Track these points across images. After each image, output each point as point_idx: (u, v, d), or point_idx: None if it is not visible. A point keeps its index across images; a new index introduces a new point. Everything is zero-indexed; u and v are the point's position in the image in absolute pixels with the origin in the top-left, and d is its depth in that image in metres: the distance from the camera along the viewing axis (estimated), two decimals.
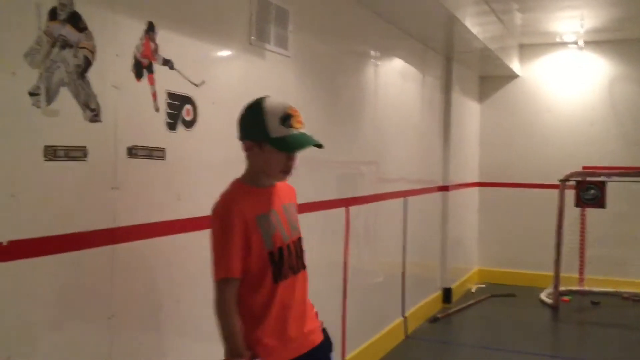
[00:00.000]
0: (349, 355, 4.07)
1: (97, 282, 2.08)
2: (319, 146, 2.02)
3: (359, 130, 4.33)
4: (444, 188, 6.29)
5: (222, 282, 1.93)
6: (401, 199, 5.14)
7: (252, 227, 1.95)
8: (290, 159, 2.01)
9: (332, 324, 3.91)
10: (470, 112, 7.25)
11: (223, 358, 1.95)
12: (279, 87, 3.18)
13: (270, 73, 3.14)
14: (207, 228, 2.59)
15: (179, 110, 2.44)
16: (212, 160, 2.67)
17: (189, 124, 2.49)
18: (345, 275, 4.04)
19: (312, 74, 3.62)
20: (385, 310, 4.89)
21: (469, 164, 7.25)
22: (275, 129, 1.95)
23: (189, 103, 2.48)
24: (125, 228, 2.17)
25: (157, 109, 2.32)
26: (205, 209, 2.60)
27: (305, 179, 3.40)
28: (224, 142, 2.74)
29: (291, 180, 2.18)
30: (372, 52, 4.56)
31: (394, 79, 5.01)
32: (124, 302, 2.18)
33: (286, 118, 1.97)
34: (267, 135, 1.96)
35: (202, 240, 2.57)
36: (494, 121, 7.51)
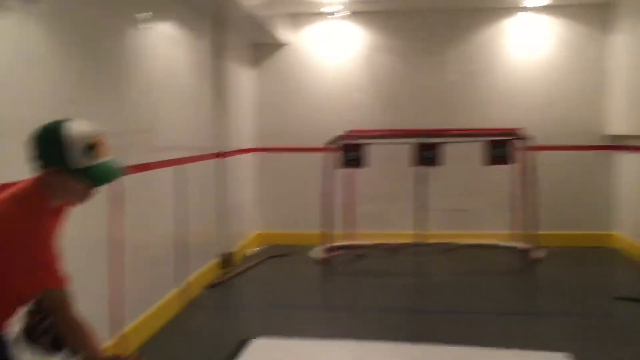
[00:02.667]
0: (127, 327, 3.93)
1: None
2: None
3: (127, 98, 4.12)
4: (221, 154, 6.31)
5: (64, 293, 1.91)
6: (177, 167, 5.04)
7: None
8: (91, 188, 1.98)
9: (98, 301, 3.72)
10: (244, 78, 7.32)
11: None
12: (22, 48, 2.88)
13: (10, 31, 2.82)
14: None
15: None
16: None
17: None
18: (113, 250, 3.86)
19: (68, 36, 3.33)
20: (163, 280, 4.80)
21: (245, 130, 7.35)
22: (76, 160, 1.88)
23: None
24: None
25: None
26: None
27: None
28: None
29: None
30: (140, 16, 4.34)
31: (164, 44, 4.84)
32: None
33: (90, 147, 1.90)
34: (67, 166, 1.88)
35: None
36: (268, 87, 7.69)
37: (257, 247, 7.40)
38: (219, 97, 6.30)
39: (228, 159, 6.45)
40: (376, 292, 5.70)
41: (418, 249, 7.10)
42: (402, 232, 7.09)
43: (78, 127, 1.92)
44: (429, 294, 5.73)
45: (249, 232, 7.42)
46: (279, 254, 7.01)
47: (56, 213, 2.02)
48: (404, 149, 6.65)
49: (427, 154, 6.52)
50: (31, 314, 2.04)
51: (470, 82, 7.47)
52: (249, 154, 7.54)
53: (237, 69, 6.95)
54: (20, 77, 2.90)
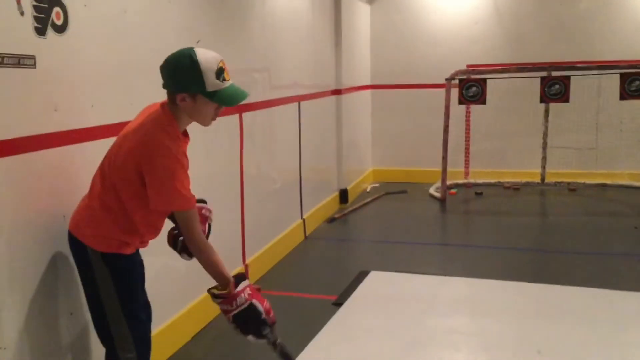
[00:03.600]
0: (249, 259, 4.17)
1: None
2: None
3: (249, 37, 4.22)
4: (337, 92, 6.34)
5: (191, 215, 2.11)
6: (295, 104, 5.15)
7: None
8: (219, 108, 2.16)
9: (232, 230, 3.97)
10: (360, 14, 7.23)
11: (214, 288, 2.17)
12: None
13: None
14: (88, 141, 2.50)
15: (48, 13, 2.25)
16: (90, 68, 2.53)
17: (60, 29, 2.32)
18: (242, 182, 4.06)
19: None
20: (284, 214, 5.00)
21: (361, 67, 7.31)
22: (211, 83, 2.07)
23: (58, 5, 2.30)
24: None
25: (22, 13, 2.13)
26: (86, 120, 2.50)
27: None
28: (100, 48, 2.60)
29: None
30: None
31: None
32: (3, 219, 2.08)
33: (220, 72, 2.09)
34: (204, 89, 2.07)
35: (86, 152, 2.49)
36: (384, 23, 7.55)
37: (373, 183, 7.46)
38: (336, 34, 6.28)
39: (345, 96, 6.47)
40: (494, 231, 5.59)
41: (540, 188, 6.85)
42: (524, 171, 6.85)
43: (206, 54, 2.09)
44: (550, 234, 5.54)
45: (365, 168, 7.48)
46: (395, 191, 7.04)
47: (185, 135, 2.20)
48: (529, 83, 6.33)
49: (554, 88, 6.17)
50: (173, 228, 2.34)
51: (604, 10, 6.90)
52: (366, 91, 7.52)
53: (354, 5, 6.87)
54: (153, 18, 3.05)
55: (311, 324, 3.41)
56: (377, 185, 7.41)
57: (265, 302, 2.20)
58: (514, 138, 7.12)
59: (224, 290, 2.16)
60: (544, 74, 6.25)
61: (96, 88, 2.58)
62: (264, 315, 2.17)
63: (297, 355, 2.92)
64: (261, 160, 4.48)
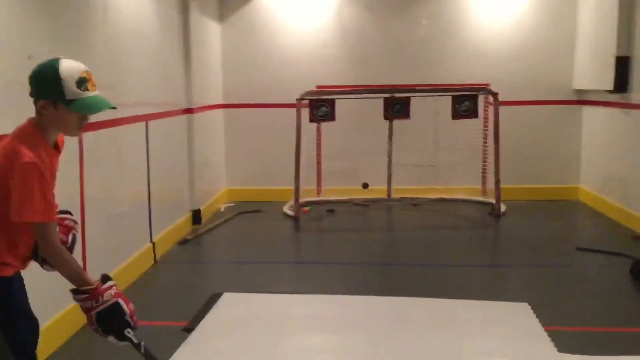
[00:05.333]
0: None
1: None
2: (113, 107, 2.23)
3: (90, 52, 4.01)
4: (189, 110, 6.23)
5: (47, 227, 2.10)
6: (143, 123, 4.97)
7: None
8: (84, 118, 2.18)
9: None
10: (211, 33, 7.18)
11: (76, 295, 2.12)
12: None
13: None
14: None
15: None
16: None
17: None
18: (83, 206, 3.82)
19: None
20: (132, 237, 4.78)
21: (213, 85, 7.25)
22: (71, 91, 2.09)
23: None
24: None
25: None
26: None
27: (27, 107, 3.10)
28: None
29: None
30: None
31: None
32: None
33: (82, 81, 2.11)
34: (63, 96, 2.08)
35: None
36: (235, 42, 7.55)
37: (227, 203, 7.40)
38: (185, 52, 6.17)
39: (196, 115, 6.37)
40: (345, 247, 5.77)
41: (387, 205, 7.19)
42: (371, 188, 7.15)
43: (70, 63, 2.13)
44: (396, 248, 5.83)
45: (219, 188, 7.40)
46: (248, 210, 7.03)
47: (55, 148, 2.21)
48: (374, 103, 6.65)
49: (396, 108, 6.57)
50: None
51: (440, 37, 7.45)
52: (218, 110, 7.46)
53: (203, 23, 6.81)
54: None
55: (160, 353, 3.27)
56: (231, 204, 7.36)
57: (130, 304, 2.19)
58: (363, 156, 7.41)
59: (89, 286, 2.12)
60: (387, 95, 6.61)
61: None
62: (127, 317, 2.15)
63: None
64: (106, 182, 4.26)
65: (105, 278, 2.17)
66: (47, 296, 3.04)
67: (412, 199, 7.11)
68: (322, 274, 4.95)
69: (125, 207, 4.63)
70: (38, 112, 2.13)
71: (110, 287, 2.15)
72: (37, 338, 2.30)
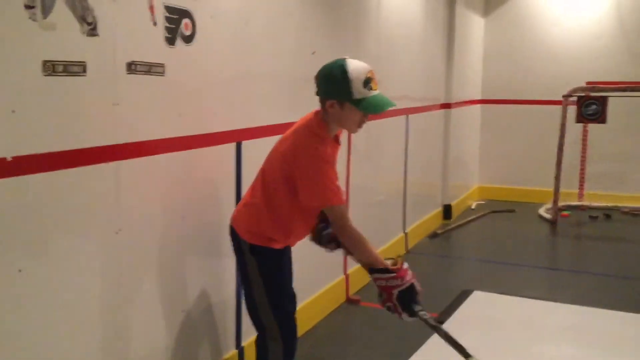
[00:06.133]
0: (350, 269, 4.18)
1: (102, 198, 2.10)
2: (394, 106, 2.29)
3: (363, 48, 4.25)
4: (447, 105, 6.24)
5: (342, 209, 2.25)
6: (404, 117, 5.12)
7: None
8: (366, 116, 2.28)
9: None
10: (474, 26, 7.09)
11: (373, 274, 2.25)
12: (274, 5, 3.11)
13: None
14: (209, 146, 2.62)
15: (178, 24, 2.38)
16: (213, 76, 2.64)
17: (188, 39, 2.44)
18: (347, 194, 4.08)
19: None
20: (387, 226, 4.97)
21: (472, 80, 7.16)
22: (358, 91, 2.20)
23: (187, 17, 2.43)
24: (127, 145, 2.17)
25: (154, 23, 2.27)
26: (206, 126, 2.62)
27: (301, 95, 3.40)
28: (224, 57, 2.71)
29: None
30: None
31: None
32: (130, 218, 2.21)
33: (367, 81, 2.22)
34: (351, 96, 2.21)
35: (203, 157, 2.60)
36: (498, 36, 7.36)
37: (478, 200, 7.26)
38: (449, 46, 6.19)
39: (454, 110, 6.36)
40: (608, 257, 5.27)
41: None
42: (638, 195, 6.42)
43: (356, 64, 2.24)
44: None
45: (471, 185, 7.30)
46: (502, 209, 6.81)
47: (335, 141, 2.38)
48: None
49: None
50: (318, 223, 2.44)
51: None
52: (476, 106, 7.35)
53: (467, 17, 6.74)
54: (272, 29, 3.14)
55: (407, 339, 3.35)
56: (482, 202, 7.21)
57: (419, 285, 2.27)
58: (634, 160, 6.69)
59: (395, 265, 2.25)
60: None
61: (219, 96, 2.70)
62: (418, 296, 2.25)
63: None
64: (367, 172, 4.47)
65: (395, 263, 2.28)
66: (310, 277, 3.33)
67: None
68: (578, 283, 4.60)
69: (382, 197, 4.82)
70: (325, 110, 2.27)
71: (407, 269, 2.26)
72: (295, 310, 2.50)
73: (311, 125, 2.29)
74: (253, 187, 2.40)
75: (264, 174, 2.36)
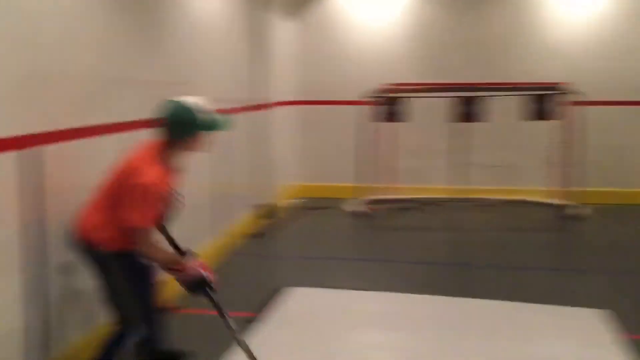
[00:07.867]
0: None
1: None
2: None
3: (166, 49, 4.16)
4: (263, 107, 6.32)
5: (146, 231, 2.61)
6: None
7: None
8: (207, 138, 2.72)
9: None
10: (284, 30, 7.25)
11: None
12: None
13: None
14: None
15: None
16: None
17: None
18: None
19: None
20: (203, 228, 4.89)
21: (287, 83, 7.31)
22: (201, 125, 2.62)
23: None
24: None
25: None
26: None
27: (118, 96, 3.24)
28: (5, 57, 2.49)
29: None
30: None
31: None
32: None
33: (208, 115, 2.63)
34: (195, 132, 2.64)
35: None
36: (309, 39, 7.61)
37: (297, 199, 7.45)
38: (259, 49, 6.27)
39: (269, 111, 6.46)
40: (413, 246, 5.70)
41: (457, 205, 7.03)
42: (440, 187, 7.02)
43: (197, 102, 2.63)
44: (467, 248, 5.70)
45: (290, 184, 7.46)
46: (318, 206, 7.05)
47: (175, 169, 2.71)
48: (445, 102, 6.51)
49: (468, 108, 6.38)
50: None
51: (516, 33, 7.22)
52: (291, 107, 7.52)
53: (277, 21, 6.89)
54: (66, 30, 2.95)
55: (223, 343, 3.32)
56: (304, 200, 7.37)
57: (211, 274, 2.80)
58: (432, 155, 7.23)
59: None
60: (461, 93, 6.44)
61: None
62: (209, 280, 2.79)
63: None
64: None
65: (189, 253, 2.77)
66: None
67: (482, 199, 6.91)
68: (387, 272, 4.92)
69: (197, 200, 4.73)
70: (169, 144, 2.66)
71: (195, 265, 2.76)
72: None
73: (157, 155, 2.61)
74: (97, 200, 2.66)
75: (107, 188, 2.64)
